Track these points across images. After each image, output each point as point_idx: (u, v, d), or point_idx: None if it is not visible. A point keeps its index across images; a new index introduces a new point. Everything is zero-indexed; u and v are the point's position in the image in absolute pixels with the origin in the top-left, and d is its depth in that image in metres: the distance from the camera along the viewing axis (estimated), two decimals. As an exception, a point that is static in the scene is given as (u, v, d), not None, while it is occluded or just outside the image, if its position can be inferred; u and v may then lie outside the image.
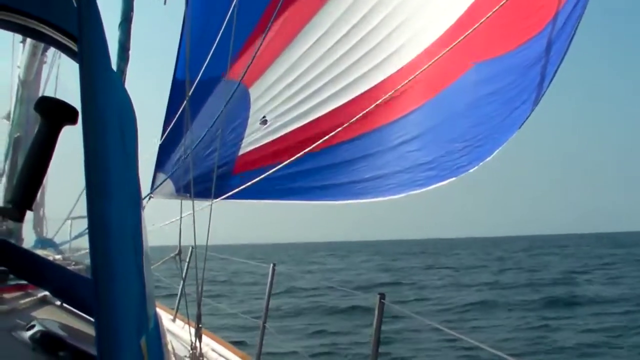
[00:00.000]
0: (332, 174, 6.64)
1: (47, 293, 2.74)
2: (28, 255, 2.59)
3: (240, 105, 7.03)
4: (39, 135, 1.93)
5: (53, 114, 1.90)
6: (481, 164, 5.85)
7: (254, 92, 7.02)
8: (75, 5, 1.30)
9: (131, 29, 5.37)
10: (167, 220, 6.62)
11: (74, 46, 1.78)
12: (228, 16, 6.36)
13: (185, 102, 6.36)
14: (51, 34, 1.81)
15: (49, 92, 6.46)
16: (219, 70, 6.85)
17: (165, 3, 4.45)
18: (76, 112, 1.87)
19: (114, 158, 1.32)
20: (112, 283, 1.22)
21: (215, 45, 6.77)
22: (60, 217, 7.12)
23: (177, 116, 6.98)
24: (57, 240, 6.77)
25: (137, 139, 1.74)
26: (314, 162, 6.76)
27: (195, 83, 6.83)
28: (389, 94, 6.24)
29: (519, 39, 5.72)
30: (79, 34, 1.21)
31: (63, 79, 6.58)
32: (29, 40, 5.66)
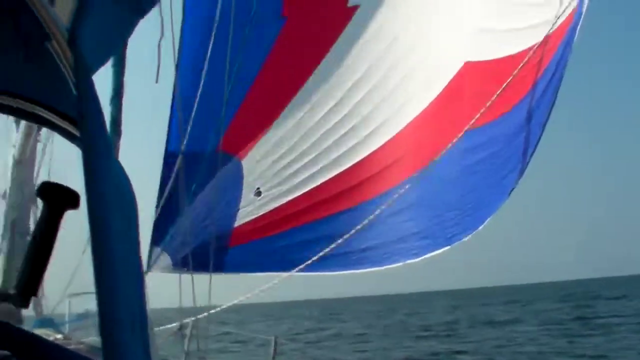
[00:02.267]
0: (327, 245, 6.68)
1: None
2: (30, 337, 2.59)
3: (234, 177, 7.11)
4: (41, 221, 1.95)
5: (55, 199, 1.92)
6: (474, 232, 5.92)
7: (246, 164, 7.11)
8: (73, 91, 1.38)
9: (122, 103, 5.50)
10: (165, 287, 6.69)
11: (72, 129, 1.83)
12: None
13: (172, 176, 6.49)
14: (49, 117, 1.86)
15: (43, 171, 6.52)
16: (211, 143, 6.97)
17: (157, 82, 4.57)
18: (78, 196, 1.91)
19: (117, 239, 1.37)
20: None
21: (206, 118, 6.92)
22: (57, 292, 7.09)
23: (169, 190, 7.03)
24: (55, 317, 6.73)
25: (137, 219, 1.80)
26: (309, 233, 6.82)
27: (187, 156, 6.94)
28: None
29: (501, 108, 5.87)
30: (80, 122, 1.27)
31: (57, 157, 6.65)
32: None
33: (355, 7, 6.89)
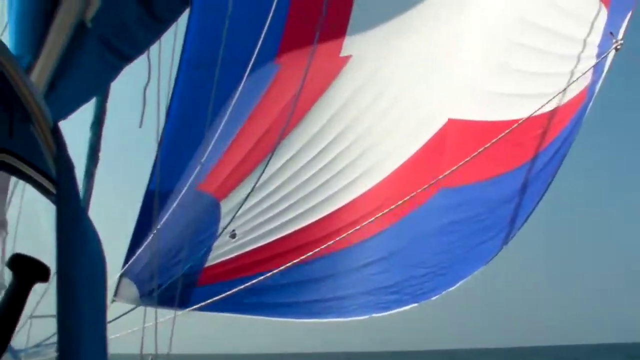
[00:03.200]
0: (297, 291, 6.66)
1: None
2: None
3: (211, 217, 7.11)
4: (10, 292, 1.95)
5: (26, 273, 1.93)
6: (444, 292, 5.90)
7: (225, 205, 7.12)
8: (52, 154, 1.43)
9: (102, 131, 5.48)
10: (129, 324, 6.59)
11: (47, 184, 1.87)
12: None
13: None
14: (26, 171, 1.90)
15: (15, 200, 6.38)
16: (192, 181, 7.00)
17: (140, 126, 4.60)
18: (48, 271, 1.92)
19: (83, 292, 1.41)
20: None
21: (190, 157, 6.97)
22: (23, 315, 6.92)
23: (144, 223, 7.06)
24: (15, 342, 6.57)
25: (105, 273, 1.82)
26: (279, 279, 6.78)
27: (168, 193, 6.97)
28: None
29: (491, 171, 5.87)
30: (57, 194, 1.33)
31: (30, 189, 6.54)
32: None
33: (347, 57, 6.97)
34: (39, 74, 2.27)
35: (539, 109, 5.52)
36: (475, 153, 5.53)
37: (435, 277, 5.94)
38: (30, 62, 2.22)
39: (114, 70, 2.40)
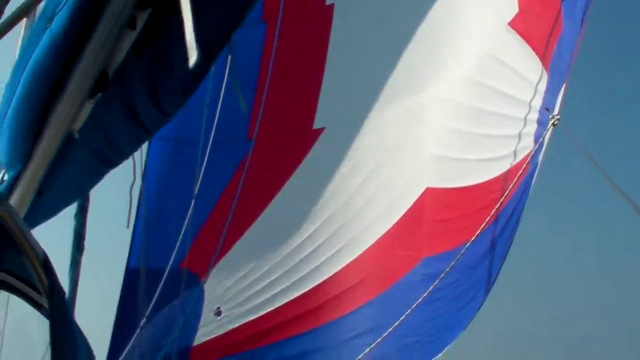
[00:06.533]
0: None
1: None
2: None
3: (195, 296, 7.05)
4: None
5: None
6: None
7: (208, 283, 7.07)
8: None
9: (87, 219, 5.48)
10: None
11: (38, 298, 1.91)
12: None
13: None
14: (20, 288, 1.94)
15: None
16: (173, 261, 6.97)
17: (128, 226, 4.56)
18: None
19: None
20: None
21: (169, 235, 6.96)
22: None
23: (127, 307, 6.98)
24: None
25: None
26: (268, 355, 6.72)
27: (148, 273, 6.91)
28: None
29: (463, 237, 5.96)
30: (51, 317, 1.39)
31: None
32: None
33: (320, 130, 7.03)
34: (28, 182, 2.33)
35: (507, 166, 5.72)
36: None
37: (425, 345, 5.93)
38: (20, 170, 2.29)
39: (99, 176, 2.47)
